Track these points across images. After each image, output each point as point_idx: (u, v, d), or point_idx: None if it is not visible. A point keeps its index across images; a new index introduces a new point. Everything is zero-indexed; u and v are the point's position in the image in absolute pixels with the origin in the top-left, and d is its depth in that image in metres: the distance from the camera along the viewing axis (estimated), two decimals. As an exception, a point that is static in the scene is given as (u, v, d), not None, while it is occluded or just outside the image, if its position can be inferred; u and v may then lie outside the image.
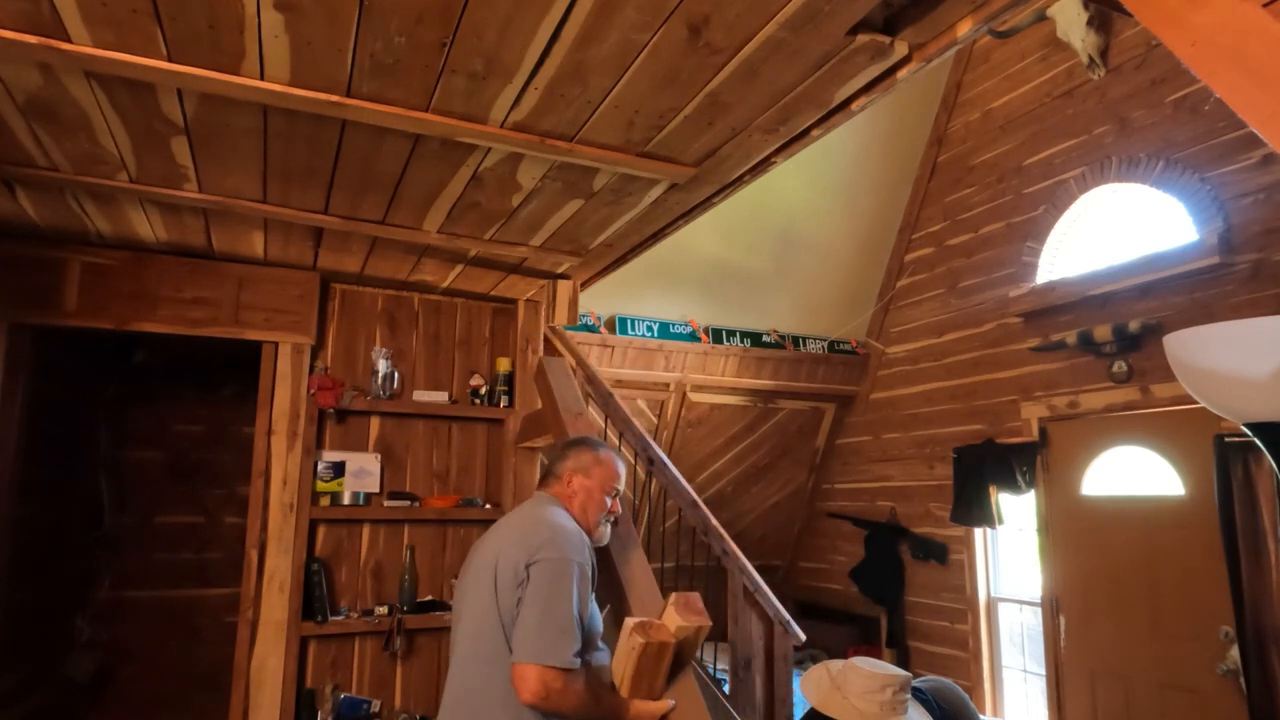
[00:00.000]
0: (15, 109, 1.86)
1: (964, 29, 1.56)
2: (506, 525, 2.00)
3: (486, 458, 3.54)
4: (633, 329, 5.14)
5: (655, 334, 5.21)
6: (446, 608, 3.29)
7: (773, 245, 5.40)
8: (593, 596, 1.92)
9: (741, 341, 5.50)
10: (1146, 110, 4.09)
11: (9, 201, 2.46)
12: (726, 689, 3.59)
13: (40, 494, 3.22)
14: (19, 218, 2.61)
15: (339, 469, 3.23)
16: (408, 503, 3.29)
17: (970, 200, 5.20)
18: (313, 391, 3.17)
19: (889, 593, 5.39)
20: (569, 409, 2.98)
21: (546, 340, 3.64)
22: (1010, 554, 4.85)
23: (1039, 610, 4.43)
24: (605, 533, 2.13)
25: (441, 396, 3.43)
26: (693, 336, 5.35)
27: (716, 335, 5.44)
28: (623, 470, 2.18)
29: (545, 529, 1.89)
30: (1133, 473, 4.04)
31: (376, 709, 3.16)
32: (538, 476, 2.08)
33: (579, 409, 3.01)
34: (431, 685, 3.27)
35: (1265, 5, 1.01)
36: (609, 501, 2.10)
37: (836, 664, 2.06)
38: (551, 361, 3.27)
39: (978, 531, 4.87)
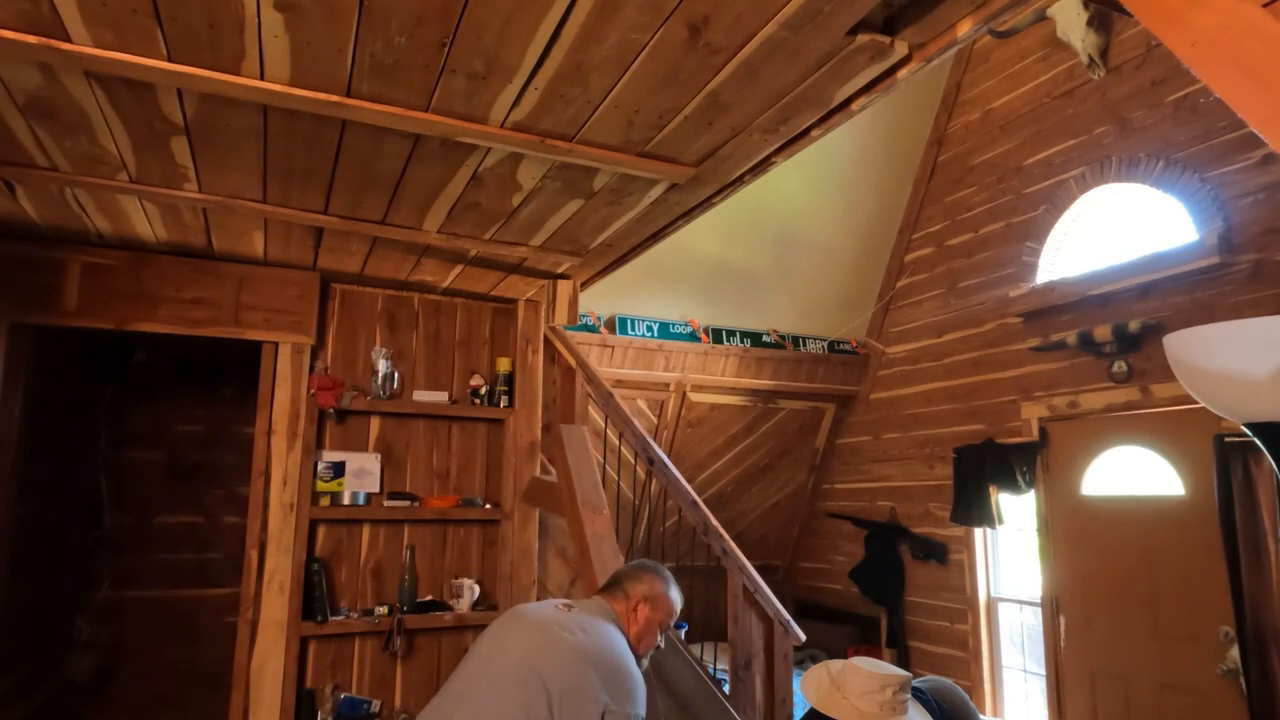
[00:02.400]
0: (15, 109, 1.86)
1: (964, 29, 1.56)
2: (581, 638, 1.88)
3: (486, 458, 3.54)
4: (633, 329, 5.14)
5: (655, 334, 5.21)
6: (447, 608, 3.29)
7: (773, 245, 5.40)
8: None
9: (741, 341, 5.50)
10: (1146, 110, 4.09)
11: (9, 201, 2.46)
12: (726, 689, 3.59)
13: (40, 494, 3.22)
14: (19, 218, 2.61)
15: (339, 469, 3.23)
16: (408, 503, 3.29)
17: (970, 200, 5.20)
18: (313, 391, 3.17)
19: (889, 593, 5.39)
20: (588, 502, 2.68)
21: (546, 340, 3.64)
22: (1010, 554, 4.85)
23: (1039, 610, 4.43)
24: (645, 665, 2.10)
25: (441, 396, 3.43)
26: (693, 336, 5.35)
27: (716, 335, 5.44)
28: (680, 607, 2.14)
29: (629, 674, 1.85)
30: (1133, 473, 4.04)
31: (376, 709, 3.16)
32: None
33: (599, 503, 2.71)
34: (431, 685, 3.27)
35: (1265, 5, 1.01)
36: (659, 637, 2.08)
37: (836, 664, 2.06)
38: (570, 432, 3.00)
39: (978, 531, 4.87)
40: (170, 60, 1.63)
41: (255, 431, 3.09)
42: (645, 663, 2.09)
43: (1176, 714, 3.70)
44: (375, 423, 3.36)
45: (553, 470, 3.28)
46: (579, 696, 1.75)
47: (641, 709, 1.83)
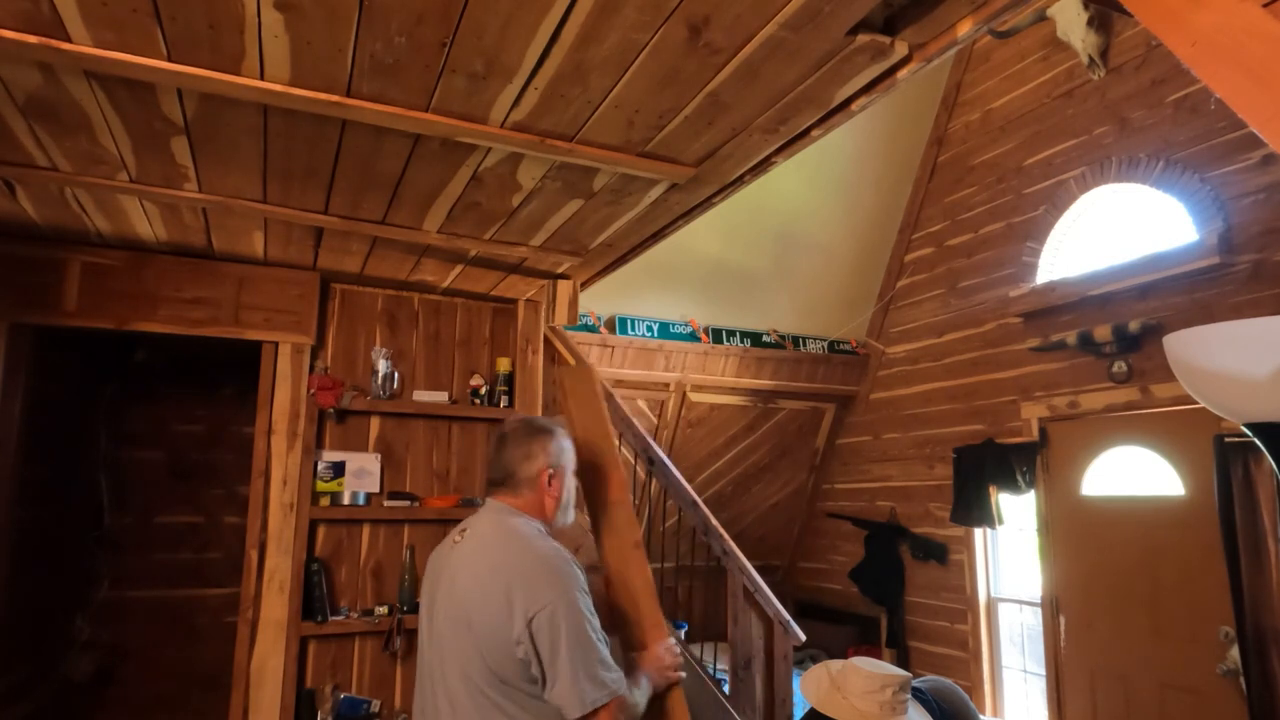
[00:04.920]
0: (15, 109, 1.86)
1: (964, 29, 1.56)
2: (478, 560, 1.78)
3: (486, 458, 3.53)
4: (633, 329, 5.14)
5: (655, 334, 5.21)
6: (446, 608, 3.30)
7: (773, 245, 5.40)
8: None
9: (741, 341, 5.51)
10: (1146, 110, 4.09)
11: (9, 201, 2.46)
12: (726, 689, 3.59)
13: (40, 494, 3.21)
14: (19, 218, 2.61)
15: (339, 469, 3.23)
16: (408, 503, 3.29)
17: (970, 200, 5.20)
18: (313, 391, 3.16)
19: (889, 593, 5.39)
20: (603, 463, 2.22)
21: (546, 340, 3.63)
22: (1010, 554, 4.85)
23: (1039, 610, 4.43)
24: (574, 513, 1.98)
25: (441, 396, 3.43)
26: (693, 336, 5.35)
27: (716, 335, 5.44)
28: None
29: (524, 580, 1.70)
30: (1133, 473, 4.04)
31: (376, 709, 3.16)
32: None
33: (613, 461, 2.23)
34: (431, 685, 3.26)
35: (1265, 5, 1.01)
36: (573, 482, 1.95)
37: (836, 664, 2.06)
38: (573, 377, 2.46)
39: (978, 531, 4.87)
40: (170, 60, 1.63)
41: (255, 431, 3.09)
42: (576, 515, 1.95)
43: (1176, 714, 3.70)
44: (375, 423, 3.36)
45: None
46: (495, 622, 1.68)
47: (567, 588, 1.68)
